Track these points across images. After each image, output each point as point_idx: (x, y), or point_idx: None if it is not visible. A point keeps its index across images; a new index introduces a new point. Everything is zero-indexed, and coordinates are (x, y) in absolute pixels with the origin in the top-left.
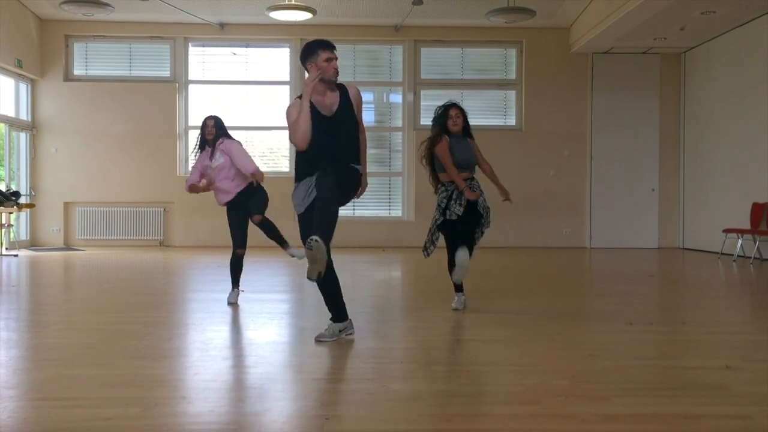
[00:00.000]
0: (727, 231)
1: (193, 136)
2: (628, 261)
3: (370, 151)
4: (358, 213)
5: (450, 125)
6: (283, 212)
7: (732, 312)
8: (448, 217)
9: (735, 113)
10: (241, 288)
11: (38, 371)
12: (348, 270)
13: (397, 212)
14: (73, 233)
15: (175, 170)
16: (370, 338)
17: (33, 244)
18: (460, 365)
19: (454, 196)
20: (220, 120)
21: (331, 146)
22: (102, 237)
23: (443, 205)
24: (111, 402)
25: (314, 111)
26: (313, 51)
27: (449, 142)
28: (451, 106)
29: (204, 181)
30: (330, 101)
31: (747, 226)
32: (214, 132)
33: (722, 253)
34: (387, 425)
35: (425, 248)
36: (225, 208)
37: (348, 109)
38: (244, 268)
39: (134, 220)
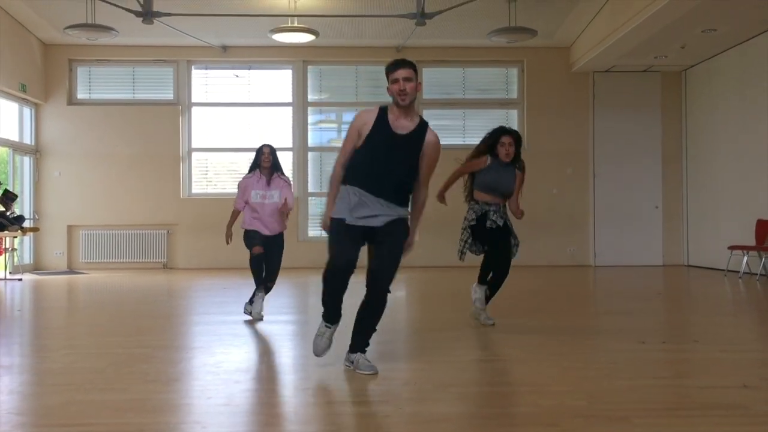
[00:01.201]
0: (732, 248)
1: (197, 158)
2: (633, 279)
3: None
4: None
5: (503, 154)
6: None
7: (742, 330)
8: (488, 226)
9: (737, 130)
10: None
11: (48, 396)
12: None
13: None
14: (76, 256)
15: (179, 192)
16: (378, 360)
17: (36, 267)
18: (473, 386)
19: (493, 210)
20: (275, 150)
21: (380, 169)
22: (105, 260)
23: (479, 213)
24: (125, 427)
25: (384, 125)
26: (386, 72)
27: (487, 164)
28: (505, 132)
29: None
30: (401, 125)
31: (752, 242)
32: (271, 160)
33: (728, 270)
34: None
35: (462, 252)
36: (243, 232)
37: (414, 146)
38: (247, 295)
39: (138, 242)
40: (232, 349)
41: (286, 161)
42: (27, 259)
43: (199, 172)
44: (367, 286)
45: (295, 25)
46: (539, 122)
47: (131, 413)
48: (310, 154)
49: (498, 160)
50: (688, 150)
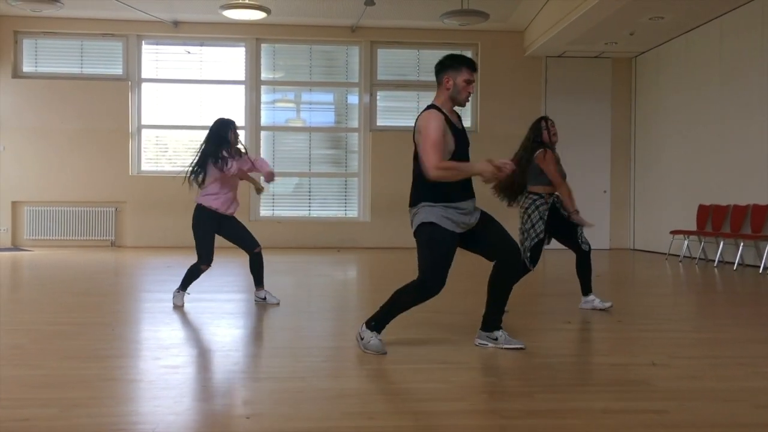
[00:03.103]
0: (674, 233)
1: (146, 135)
2: (574, 261)
3: (326, 152)
4: (314, 214)
5: (554, 137)
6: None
7: (670, 310)
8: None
9: (682, 117)
10: (187, 291)
11: None
12: (302, 270)
13: (353, 213)
14: (21, 233)
15: (128, 169)
16: (314, 337)
17: None
18: (391, 364)
19: (558, 206)
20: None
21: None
22: (51, 237)
23: (545, 216)
24: (29, 403)
25: (452, 124)
26: (457, 66)
27: (556, 157)
28: (545, 118)
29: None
30: (455, 121)
31: (694, 227)
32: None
33: (669, 254)
34: (308, 423)
35: (533, 262)
36: (198, 216)
37: (466, 136)
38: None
39: (85, 220)
40: (161, 327)
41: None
42: None
43: (152, 149)
44: (502, 260)
45: (246, 1)
46: (492, 106)
47: (39, 389)
48: (263, 134)
49: (551, 148)
50: (636, 136)
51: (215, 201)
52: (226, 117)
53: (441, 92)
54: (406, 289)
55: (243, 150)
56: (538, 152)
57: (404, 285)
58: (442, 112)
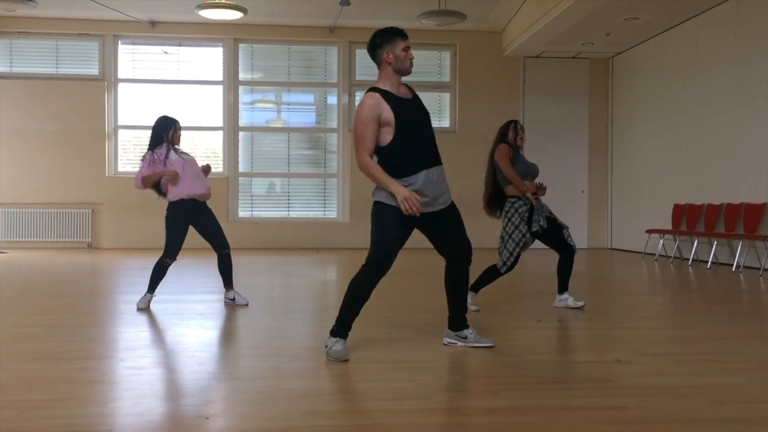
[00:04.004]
0: (649, 231)
1: (124, 136)
2: (555, 261)
3: (305, 152)
4: (293, 214)
5: (519, 140)
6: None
7: (641, 308)
8: (534, 230)
9: (657, 117)
10: (154, 294)
11: None
12: (280, 271)
13: (332, 213)
14: None
15: (104, 170)
16: (280, 338)
17: None
18: (358, 363)
19: (535, 209)
20: None
21: (425, 141)
22: (27, 239)
23: (526, 217)
24: None
25: (394, 98)
26: (390, 38)
27: (509, 152)
28: (511, 121)
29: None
30: (404, 93)
31: (669, 226)
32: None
33: (645, 253)
34: (268, 423)
35: (507, 265)
36: (170, 212)
37: (423, 108)
38: (171, 274)
39: (61, 221)
40: (130, 329)
41: (215, 141)
42: None
43: (130, 149)
44: (453, 258)
45: (223, 1)
46: (471, 106)
47: (1, 391)
48: (241, 134)
49: (514, 148)
50: (613, 136)
51: (179, 191)
52: (168, 116)
53: (384, 71)
54: (357, 274)
55: (183, 151)
56: (495, 149)
57: (356, 274)
58: (385, 92)
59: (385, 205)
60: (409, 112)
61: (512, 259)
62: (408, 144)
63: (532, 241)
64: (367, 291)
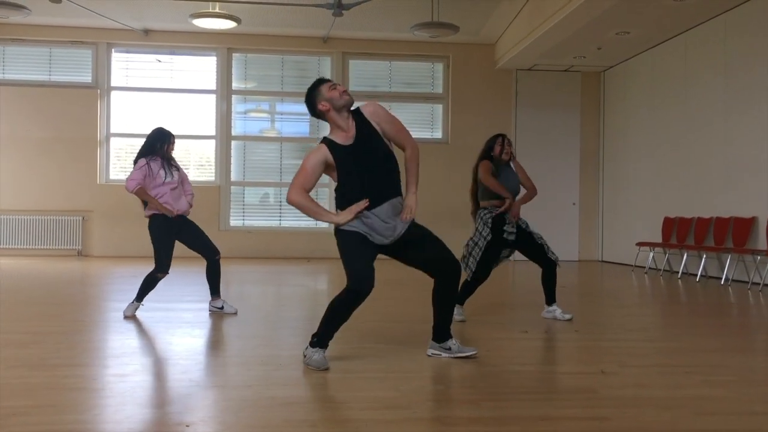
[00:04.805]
0: (640, 244)
1: (116, 144)
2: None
3: (298, 162)
4: (285, 224)
5: (504, 155)
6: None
7: (628, 320)
8: (505, 237)
9: (648, 131)
10: (142, 303)
11: None
12: (271, 280)
13: (323, 223)
14: None
15: (96, 178)
16: (267, 346)
17: None
18: (342, 373)
19: (507, 219)
20: None
21: (369, 184)
22: (17, 246)
23: (490, 225)
24: None
25: (338, 148)
26: (315, 91)
27: (491, 167)
28: (498, 135)
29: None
30: (351, 135)
31: (659, 239)
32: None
33: (635, 266)
34: (249, 430)
35: (472, 270)
36: (152, 225)
37: (369, 135)
38: (163, 282)
39: (51, 228)
40: (116, 336)
41: (208, 150)
42: None
43: (123, 157)
44: (440, 276)
45: (216, 10)
46: (463, 118)
47: None
48: (233, 143)
49: (500, 165)
50: (605, 149)
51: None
52: (164, 128)
53: (329, 119)
54: (338, 297)
55: (176, 164)
56: (478, 165)
57: (338, 294)
58: (331, 141)
59: (344, 231)
60: (353, 157)
61: (477, 265)
62: (353, 185)
63: (509, 254)
64: (346, 315)
